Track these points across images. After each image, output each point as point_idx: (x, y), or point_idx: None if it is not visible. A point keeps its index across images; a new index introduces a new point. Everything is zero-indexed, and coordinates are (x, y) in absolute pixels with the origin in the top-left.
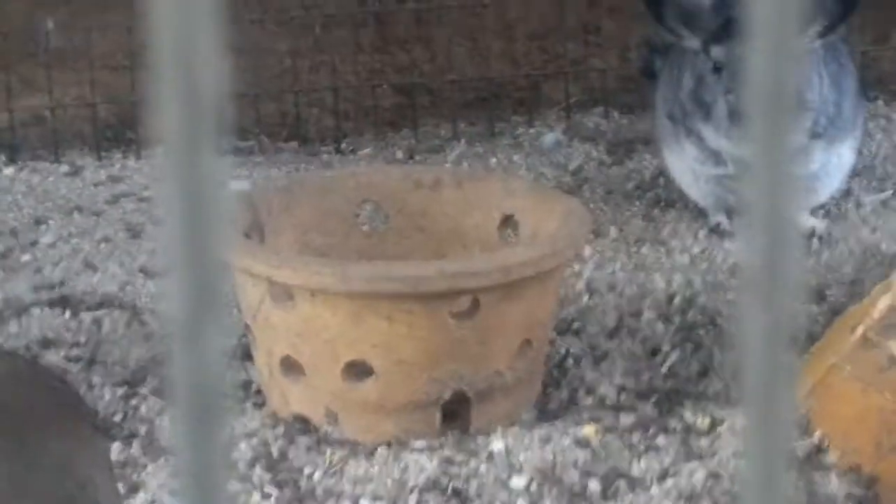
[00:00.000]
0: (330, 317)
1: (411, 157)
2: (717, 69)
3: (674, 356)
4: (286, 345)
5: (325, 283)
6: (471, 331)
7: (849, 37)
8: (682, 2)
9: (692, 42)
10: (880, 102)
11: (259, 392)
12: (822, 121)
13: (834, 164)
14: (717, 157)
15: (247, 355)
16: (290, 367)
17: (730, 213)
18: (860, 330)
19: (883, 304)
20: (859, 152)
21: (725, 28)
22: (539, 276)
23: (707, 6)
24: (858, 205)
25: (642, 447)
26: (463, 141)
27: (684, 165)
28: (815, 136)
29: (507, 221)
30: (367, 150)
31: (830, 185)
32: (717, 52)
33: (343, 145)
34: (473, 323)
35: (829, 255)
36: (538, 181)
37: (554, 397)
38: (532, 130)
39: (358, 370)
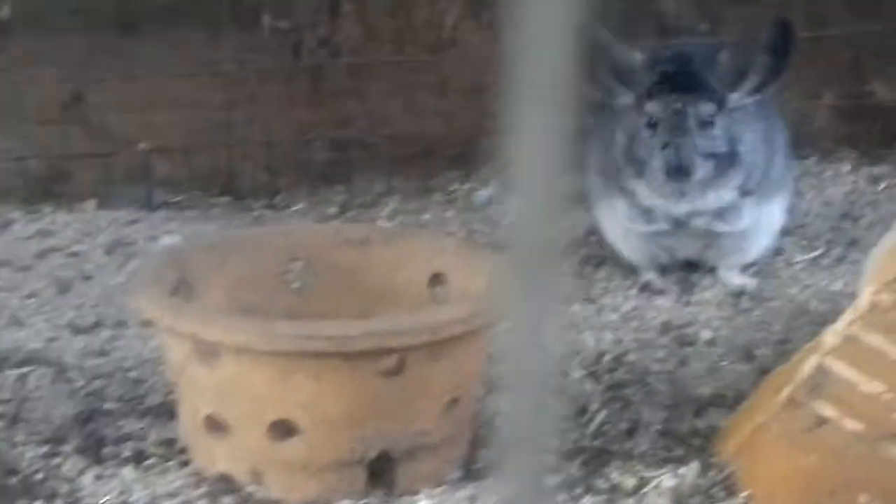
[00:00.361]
0: (256, 375)
1: (344, 213)
2: (652, 125)
3: (602, 415)
4: (211, 403)
5: (250, 342)
6: (397, 389)
7: (780, 94)
8: (616, 59)
9: (626, 98)
10: (812, 160)
11: (184, 450)
12: (754, 177)
13: (764, 221)
14: (648, 215)
15: (172, 413)
16: (215, 425)
17: (661, 270)
18: (787, 390)
19: (810, 364)
20: (790, 210)
21: (659, 84)
22: (467, 334)
23: (640, 63)
24: (789, 263)
25: None
26: (397, 196)
27: (615, 223)
28: (746, 193)
29: (437, 279)
30: (300, 206)
31: (760, 243)
32: (651, 107)
33: (276, 200)
34: (400, 382)
35: (758, 313)
36: (469, 238)
37: (482, 456)
38: (466, 186)
39: (283, 429)
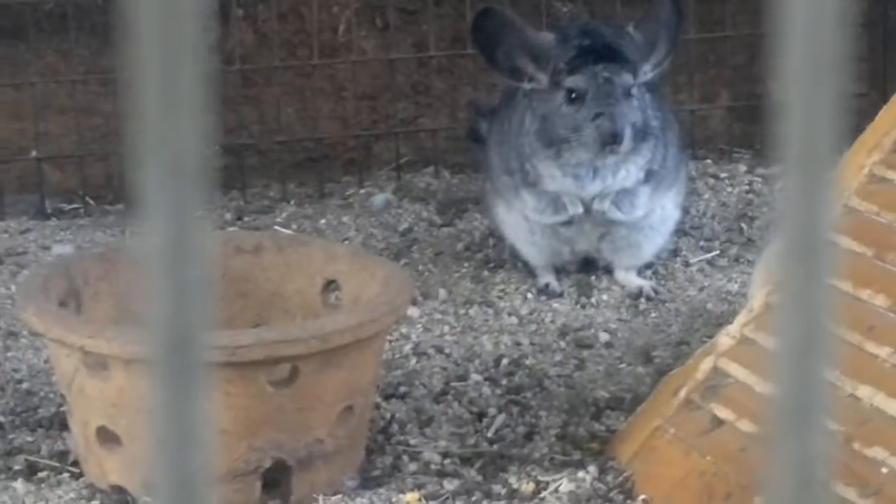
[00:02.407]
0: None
1: (240, 219)
2: (574, 99)
3: (500, 419)
4: (102, 415)
5: (139, 353)
6: (290, 398)
7: (672, 97)
8: (526, 41)
9: (539, 80)
10: (709, 161)
11: (76, 463)
12: (657, 158)
13: (657, 217)
14: (556, 204)
15: (64, 425)
16: (107, 437)
17: (558, 272)
18: (683, 392)
19: (706, 366)
20: (686, 211)
21: (579, 57)
22: (358, 342)
23: (552, 41)
24: (686, 264)
25: None
26: (292, 202)
27: (520, 219)
28: (648, 175)
29: (330, 286)
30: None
31: (654, 241)
32: (573, 81)
33: None
34: (292, 391)
35: (656, 315)
36: (359, 246)
37: (377, 464)
38: (362, 191)
39: None
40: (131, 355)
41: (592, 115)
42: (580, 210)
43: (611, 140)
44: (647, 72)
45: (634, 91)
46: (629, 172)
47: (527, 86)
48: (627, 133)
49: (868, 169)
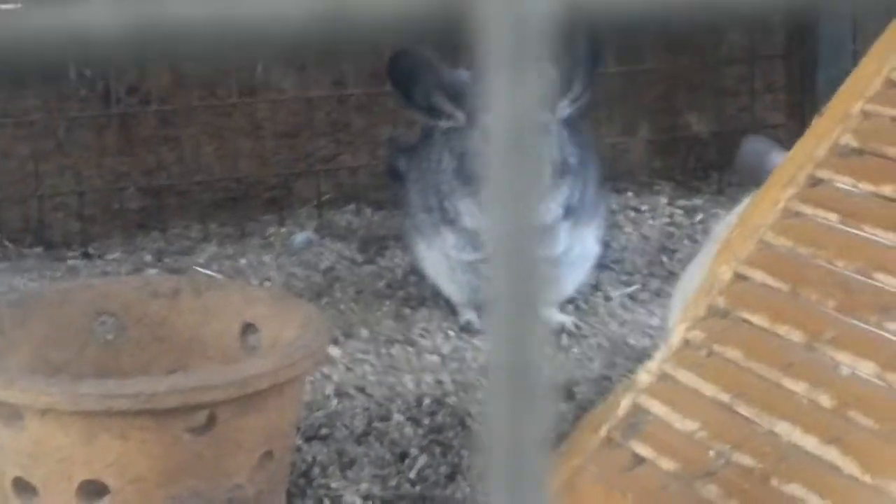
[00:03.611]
0: (62, 437)
1: (160, 260)
2: None
3: (422, 460)
4: (17, 466)
5: (54, 403)
6: (208, 445)
7: (592, 131)
8: (443, 80)
9: (457, 118)
10: (630, 194)
11: None
12: (575, 194)
13: (578, 251)
14: (474, 241)
15: None
16: (23, 488)
17: (481, 309)
18: (604, 430)
19: (626, 403)
20: (607, 245)
21: None
22: (277, 387)
23: (469, 79)
24: (607, 298)
25: None
26: (213, 242)
27: (441, 257)
28: (568, 211)
29: (249, 329)
30: (115, 255)
31: (575, 276)
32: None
33: (90, 250)
34: (210, 437)
35: (578, 350)
36: (277, 288)
37: None
38: (283, 230)
39: (93, 489)
40: (46, 405)
41: None
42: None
43: None
44: (565, 108)
45: (552, 128)
46: (549, 209)
47: (445, 124)
48: (546, 170)
49: (783, 204)
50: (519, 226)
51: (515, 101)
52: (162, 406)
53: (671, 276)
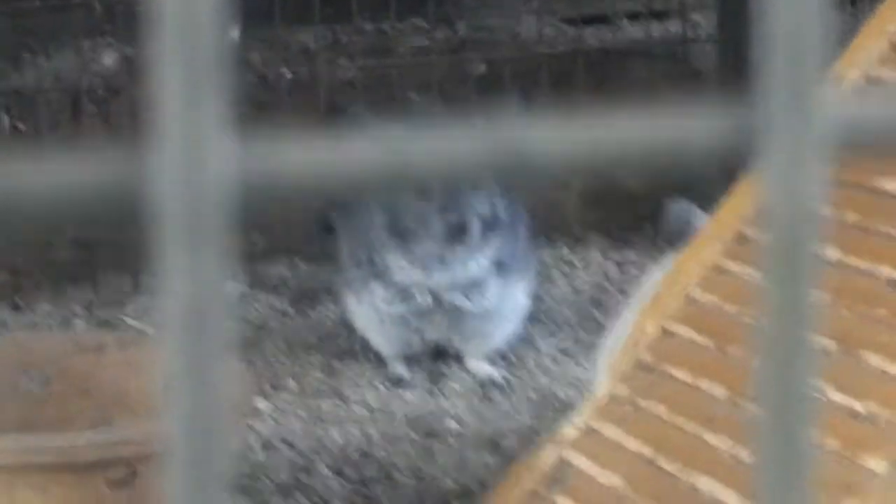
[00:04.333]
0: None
1: (91, 313)
2: (421, 192)
3: None
4: None
5: None
6: (128, 500)
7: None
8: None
9: None
10: (563, 248)
11: None
12: (506, 249)
13: (509, 305)
14: (405, 293)
15: None
16: None
17: (409, 362)
18: (529, 484)
19: (551, 456)
20: (538, 298)
21: None
22: None
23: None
24: (537, 351)
25: None
26: (145, 294)
27: (370, 310)
28: (497, 266)
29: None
30: (43, 307)
31: (504, 328)
32: None
33: (19, 302)
34: (130, 492)
35: (506, 403)
36: None
37: None
38: None
39: None
40: None
41: (439, 207)
42: (429, 300)
43: (458, 232)
44: None
45: (482, 183)
46: (478, 263)
47: None
48: (475, 225)
49: (710, 261)
50: (208, 406)
51: (195, 278)
52: (82, 460)
53: (602, 330)
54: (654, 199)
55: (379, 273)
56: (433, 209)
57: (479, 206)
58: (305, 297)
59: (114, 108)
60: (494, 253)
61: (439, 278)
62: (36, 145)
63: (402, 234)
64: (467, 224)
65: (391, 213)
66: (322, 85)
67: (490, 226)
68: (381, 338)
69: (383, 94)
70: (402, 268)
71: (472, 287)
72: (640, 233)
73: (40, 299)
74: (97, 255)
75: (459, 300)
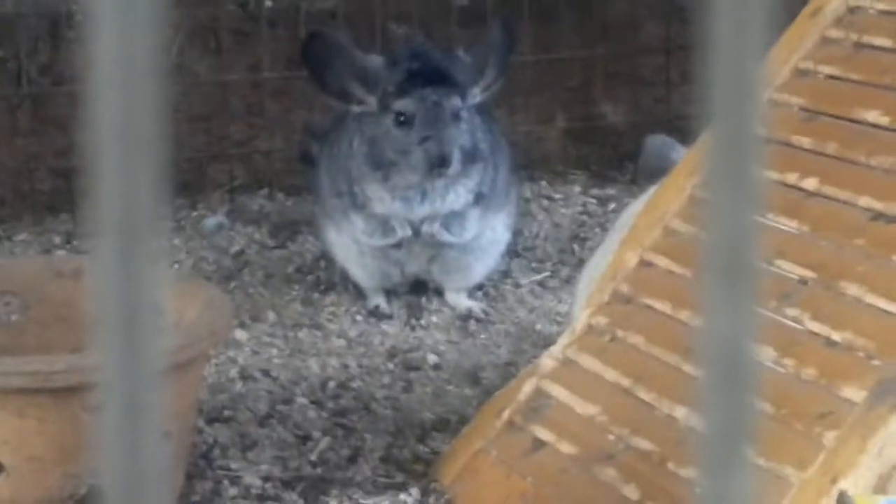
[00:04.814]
0: None
1: (70, 242)
2: (403, 122)
3: (324, 443)
4: None
5: None
6: None
7: (508, 119)
8: (355, 63)
9: (368, 103)
10: (544, 182)
11: None
12: (486, 181)
13: (488, 238)
14: (385, 227)
15: None
16: None
17: (389, 294)
18: (506, 414)
19: (528, 387)
20: (519, 232)
21: (408, 80)
22: (176, 367)
23: (382, 64)
24: (516, 285)
25: None
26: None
27: (350, 241)
28: (477, 198)
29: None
30: (23, 236)
31: (485, 262)
32: (402, 104)
33: None
34: None
35: (485, 336)
36: (180, 269)
37: (197, 489)
38: (195, 213)
39: None
40: None
41: (420, 138)
42: (409, 233)
43: (439, 163)
44: (477, 95)
45: (464, 114)
46: (458, 195)
47: (356, 109)
48: (456, 156)
49: (689, 191)
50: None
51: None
52: (59, 384)
53: (582, 265)
54: (635, 135)
55: (359, 204)
56: (413, 140)
57: (460, 138)
58: (285, 229)
59: None
60: (474, 185)
61: (420, 211)
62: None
63: (382, 166)
64: (448, 156)
65: (372, 144)
66: (302, 14)
67: (470, 158)
68: (360, 270)
69: (364, 24)
70: (381, 199)
71: (453, 219)
72: (621, 169)
73: (20, 229)
74: (77, 185)
75: (440, 232)
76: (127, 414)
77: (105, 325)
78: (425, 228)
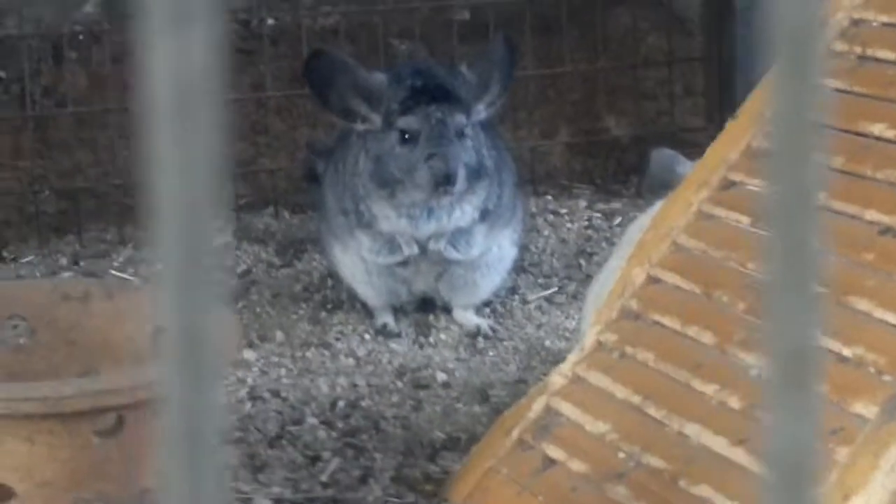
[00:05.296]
0: None
1: (76, 264)
2: (407, 140)
3: (335, 463)
4: None
5: None
6: (116, 449)
7: (512, 134)
8: (359, 82)
9: (372, 120)
10: (549, 197)
11: None
12: (492, 197)
13: (494, 255)
14: (391, 245)
15: None
16: None
17: (397, 312)
18: (516, 432)
19: (538, 405)
20: (525, 248)
21: (412, 98)
22: None
23: (385, 81)
24: (524, 301)
25: None
26: (129, 245)
27: (356, 259)
28: (483, 214)
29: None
30: (30, 258)
31: (492, 279)
32: (406, 122)
33: (5, 253)
34: (118, 441)
35: (494, 353)
36: None
37: None
38: None
39: (0, 494)
40: None
41: (426, 155)
42: (416, 250)
43: (444, 181)
44: (481, 111)
45: (468, 131)
46: (464, 212)
47: (360, 127)
48: (461, 173)
49: (696, 206)
50: (201, 355)
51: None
52: (69, 409)
53: (588, 280)
54: (639, 148)
55: (365, 223)
56: (419, 157)
57: (465, 155)
58: (291, 248)
59: (95, 54)
60: (480, 202)
61: (426, 228)
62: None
63: (387, 184)
64: (453, 173)
65: (376, 161)
66: (304, 31)
67: (476, 175)
68: (367, 288)
69: (366, 40)
70: (387, 217)
71: (459, 236)
72: (626, 183)
73: (26, 251)
74: (83, 206)
75: (447, 249)
76: (188, 442)
77: (167, 353)
78: (432, 246)
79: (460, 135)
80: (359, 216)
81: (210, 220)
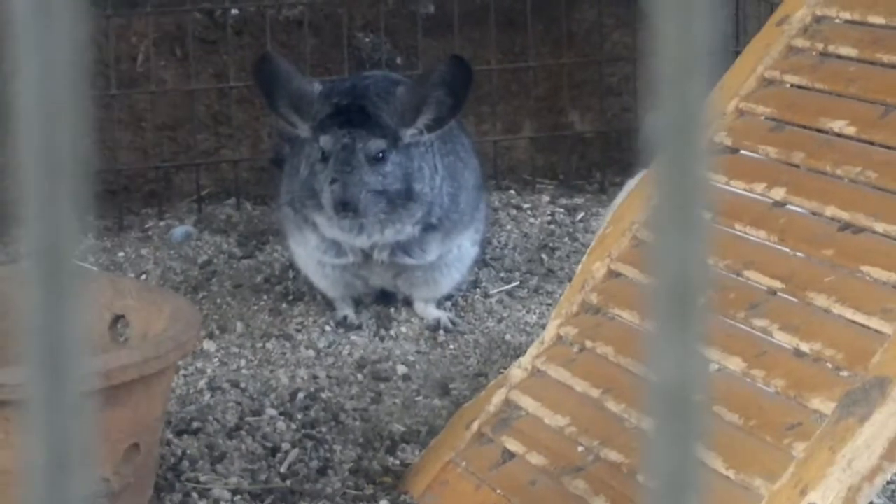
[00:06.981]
0: None
1: None
2: (324, 158)
3: (293, 454)
4: None
5: None
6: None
7: (476, 128)
8: (295, 89)
9: (304, 129)
10: (512, 192)
11: None
12: (436, 212)
13: (454, 255)
14: (337, 248)
15: None
16: None
17: (357, 304)
18: (476, 425)
19: (498, 398)
20: (488, 242)
21: (331, 117)
22: (144, 379)
23: (316, 94)
24: (486, 295)
25: None
26: (91, 235)
27: (308, 254)
28: (429, 227)
29: (119, 322)
30: None
31: (452, 277)
32: (323, 140)
33: None
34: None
35: (455, 347)
36: (147, 281)
37: (166, 502)
38: (162, 223)
39: None
40: None
41: (330, 178)
42: (360, 257)
43: (342, 207)
44: (415, 134)
45: (391, 156)
46: (398, 231)
47: (301, 133)
48: (363, 201)
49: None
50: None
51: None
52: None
53: (550, 274)
54: (604, 144)
55: (311, 223)
56: (325, 179)
57: (373, 182)
58: (253, 239)
59: None
60: (417, 219)
61: (358, 241)
62: None
63: (315, 194)
64: (351, 201)
65: (310, 170)
66: (268, 22)
67: (401, 197)
68: (322, 280)
69: (331, 33)
70: (323, 225)
71: (413, 243)
72: (589, 178)
73: None
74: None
75: (398, 256)
76: (53, 437)
77: (30, 349)
78: (375, 256)
79: (374, 160)
80: (305, 216)
81: (71, 127)
